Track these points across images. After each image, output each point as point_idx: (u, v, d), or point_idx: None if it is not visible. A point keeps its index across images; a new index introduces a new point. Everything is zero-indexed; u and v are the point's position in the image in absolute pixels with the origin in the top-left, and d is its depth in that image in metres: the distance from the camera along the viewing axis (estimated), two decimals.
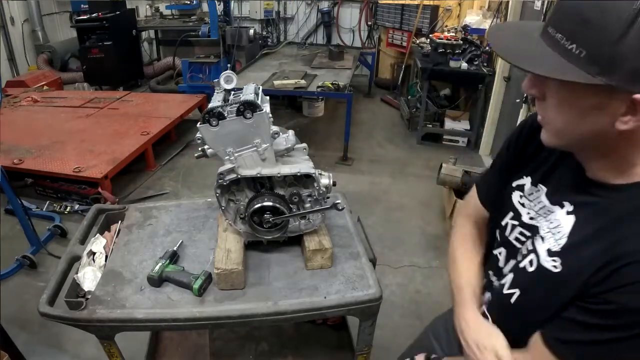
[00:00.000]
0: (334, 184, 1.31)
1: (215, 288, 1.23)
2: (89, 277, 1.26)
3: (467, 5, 5.08)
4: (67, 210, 3.24)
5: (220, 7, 5.24)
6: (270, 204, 1.24)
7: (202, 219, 1.54)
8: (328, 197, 1.31)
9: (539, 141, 0.74)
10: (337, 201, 1.27)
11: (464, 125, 4.42)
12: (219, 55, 4.97)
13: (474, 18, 4.47)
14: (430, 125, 4.51)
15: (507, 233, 0.87)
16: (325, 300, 1.20)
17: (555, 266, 0.72)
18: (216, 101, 1.21)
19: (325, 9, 6.42)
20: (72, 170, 3.24)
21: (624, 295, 0.63)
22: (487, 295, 0.93)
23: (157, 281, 1.22)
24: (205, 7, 6.32)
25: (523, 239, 0.82)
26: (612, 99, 0.58)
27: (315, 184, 1.26)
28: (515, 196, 0.86)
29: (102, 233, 1.45)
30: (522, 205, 0.84)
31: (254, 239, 1.34)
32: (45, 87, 5.40)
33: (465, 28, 4.48)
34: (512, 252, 0.85)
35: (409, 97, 5.14)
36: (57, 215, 3.14)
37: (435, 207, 3.37)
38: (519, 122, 3.03)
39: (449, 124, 4.45)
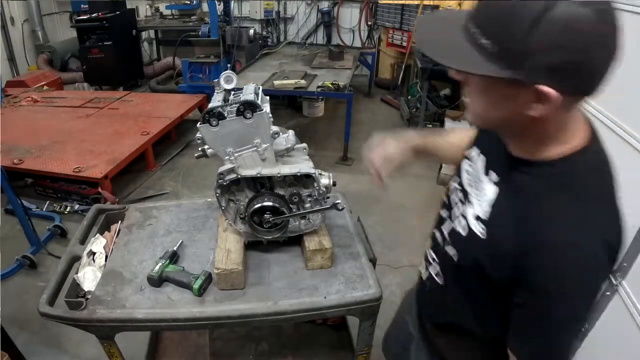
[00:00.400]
0: (334, 184, 1.31)
1: (215, 288, 1.23)
2: (89, 277, 1.26)
3: (467, 5, 5.08)
4: (67, 210, 3.24)
5: (220, 7, 5.23)
6: (270, 204, 1.24)
7: (202, 219, 1.54)
8: (328, 197, 1.31)
9: None
10: (337, 201, 1.27)
11: (464, 125, 4.40)
12: (219, 55, 4.97)
13: None
14: (430, 125, 4.51)
15: (451, 196, 0.94)
16: (325, 300, 1.20)
17: (481, 233, 0.78)
18: (216, 101, 1.21)
19: (325, 9, 6.41)
20: (72, 170, 3.24)
21: (537, 278, 0.69)
22: (432, 254, 0.99)
23: (157, 281, 1.22)
24: (205, 7, 6.32)
25: (459, 202, 0.89)
26: (521, 90, 0.63)
27: (315, 184, 1.26)
28: (465, 164, 0.92)
29: (102, 233, 1.45)
30: (467, 172, 0.90)
31: (254, 239, 1.34)
32: (45, 87, 5.40)
33: None
34: (451, 215, 0.91)
35: (409, 97, 5.14)
36: (57, 215, 3.14)
37: (435, 207, 3.34)
38: None
39: (449, 124, 4.45)
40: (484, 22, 0.64)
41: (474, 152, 0.90)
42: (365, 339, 1.34)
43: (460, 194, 0.89)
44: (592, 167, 0.72)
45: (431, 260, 0.99)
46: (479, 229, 0.79)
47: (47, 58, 6.24)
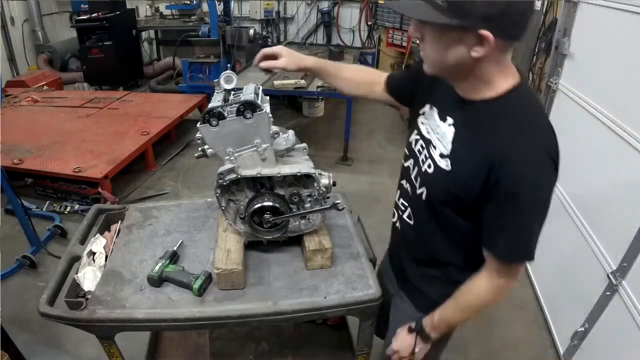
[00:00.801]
0: (334, 184, 1.31)
1: (215, 288, 1.23)
2: (89, 277, 1.26)
3: None
4: (67, 210, 3.24)
5: (220, 7, 5.23)
6: (270, 204, 1.24)
7: (202, 219, 1.54)
8: (328, 197, 1.31)
9: (431, 77, 0.96)
10: (337, 201, 1.27)
11: None
12: (219, 55, 4.97)
13: None
14: None
15: (413, 146, 1.10)
16: (325, 300, 1.20)
17: (447, 165, 0.95)
18: (216, 101, 1.21)
19: (325, 9, 6.41)
20: (72, 170, 3.24)
21: (504, 185, 0.86)
22: (402, 201, 1.15)
23: (157, 281, 1.22)
24: (205, 7, 6.32)
25: (422, 149, 1.05)
26: (465, 35, 0.81)
27: (315, 184, 1.26)
28: (420, 119, 1.09)
29: (102, 233, 1.45)
30: (422, 124, 1.08)
31: (254, 239, 1.34)
32: (45, 87, 5.40)
33: None
34: (417, 161, 1.07)
35: None
36: (57, 215, 3.14)
37: None
38: None
39: None
40: None
41: (427, 108, 1.07)
42: (365, 339, 1.34)
43: (422, 142, 1.06)
44: (528, 98, 0.91)
45: (402, 207, 1.15)
46: (444, 164, 0.96)
47: (47, 58, 6.24)
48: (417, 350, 1.14)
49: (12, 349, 1.80)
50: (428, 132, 1.04)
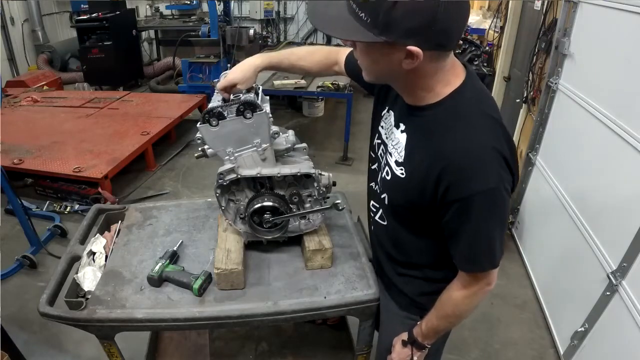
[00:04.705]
0: (334, 184, 1.31)
1: (215, 288, 1.23)
2: (89, 277, 1.26)
3: None
4: (67, 210, 3.23)
5: (220, 7, 5.24)
6: (270, 204, 1.24)
7: (202, 219, 1.54)
8: (328, 197, 1.31)
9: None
10: (337, 201, 1.27)
11: None
12: (219, 55, 4.97)
13: (474, 18, 4.47)
14: None
15: (376, 150, 1.11)
16: (325, 300, 1.20)
17: (402, 174, 0.95)
18: (216, 101, 1.21)
19: None
20: (72, 170, 3.24)
21: (455, 192, 0.84)
22: (372, 203, 1.14)
23: (157, 281, 1.22)
24: (205, 7, 6.32)
25: (383, 154, 1.06)
26: (393, 49, 0.78)
27: (315, 184, 1.26)
28: (381, 122, 1.10)
29: (102, 233, 1.45)
30: (382, 127, 1.08)
31: (254, 239, 1.34)
32: (45, 87, 5.40)
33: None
34: (379, 166, 1.07)
35: None
36: (57, 215, 3.14)
37: None
38: (519, 121, 3.05)
39: None
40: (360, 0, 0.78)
41: (385, 111, 1.07)
42: (365, 339, 1.34)
43: (383, 147, 1.06)
44: (470, 96, 0.89)
45: (373, 209, 1.14)
46: (399, 171, 0.96)
47: (47, 58, 6.25)
48: (415, 359, 1.13)
49: (12, 349, 1.80)
50: (386, 138, 1.04)
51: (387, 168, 1.01)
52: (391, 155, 0.99)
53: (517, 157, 0.87)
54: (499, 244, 0.91)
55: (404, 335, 1.15)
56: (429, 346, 1.12)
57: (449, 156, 0.84)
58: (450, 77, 0.88)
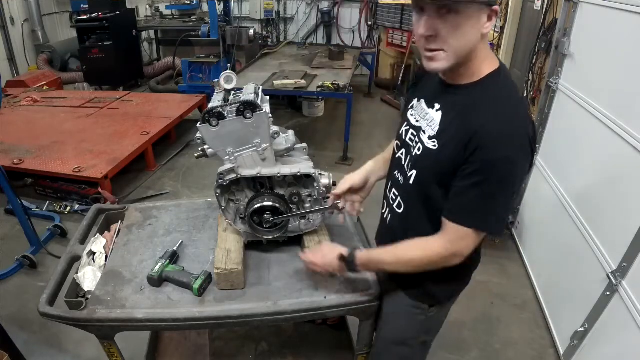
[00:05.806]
0: (334, 184, 1.31)
1: (215, 288, 1.23)
2: (89, 277, 1.26)
3: None
4: (67, 210, 3.23)
5: (220, 7, 5.24)
6: (270, 204, 1.24)
7: (202, 219, 1.54)
8: (328, 197, 1.31)
9: (419, 78, 0.98)
10: (337, 201, 1.27)
11: None
12: (219, 55, 4.97)
13: None
14: None
15: (404, 137, 1.14)
16: (325, 300, 1.20)
17: (434, 145, 1.01)
18: (216, 101, 1.21)
19: (325, 9, 6.41)
20: (72, 170, 3.24)
21: (480, 153, 0.91)
22: (393, 191, 1.18)
23: (157, 281, 1.22)
24: (205, 7, 6.33)
25: (413, 137, 1.10)
26: (483, 12, 0.90)
27: (315, 184, 1.26)
28: (409, 112, 1.16)
29: (102, 233, 1.45)
30: (412, 115, 1.14)
31: (254, 239, 1.34)
32: (45, 87, 5.40)
33: None
34: (408, 149, 1.12)
35: None
36: (57, 215, 3.14)
37: None
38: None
39: None
40: None
41: (415, 101, 1.14)
42: (365, 339, 1.34)
43: (412, 131, 1.11)
44: (507, 80, 0.99)
45: (393, 197, 1.18)
46: (431, 144, 1.01)
47: (47, 58, 6.25)
48: (338, 275, 1.16)
49: (12, 349, 1.80)
50: (417, 121, 1.10)
51: (418, 145, 1.05)
52: (424, 132, 1.04)
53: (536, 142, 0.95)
54: (498, 212, 0.96)
55: (344, 250, 1.15)
56: (359, 271, 1.15)
57: (484, 124, 0.91)
58: (491, 56, 0.99)
